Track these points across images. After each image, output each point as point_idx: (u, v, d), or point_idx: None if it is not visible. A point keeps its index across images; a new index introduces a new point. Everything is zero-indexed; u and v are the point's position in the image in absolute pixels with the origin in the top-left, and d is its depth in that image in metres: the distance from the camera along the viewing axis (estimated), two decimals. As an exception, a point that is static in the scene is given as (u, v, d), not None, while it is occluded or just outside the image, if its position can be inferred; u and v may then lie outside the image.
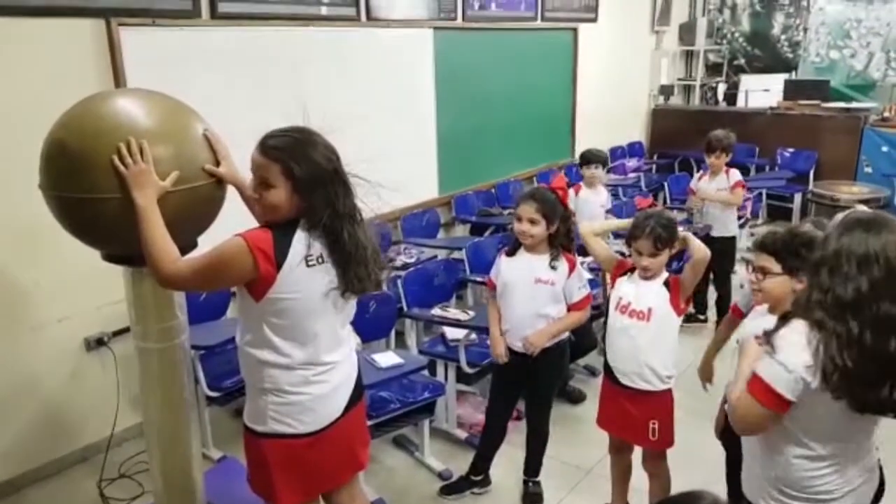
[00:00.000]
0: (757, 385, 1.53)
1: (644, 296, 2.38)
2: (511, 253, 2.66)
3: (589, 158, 4.30)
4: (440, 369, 3.27)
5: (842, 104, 6.86)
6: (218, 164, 1.90)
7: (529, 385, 2.78)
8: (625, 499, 2.70)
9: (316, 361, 1.82)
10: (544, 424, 2.84)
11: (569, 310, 2.64)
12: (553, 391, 2.87)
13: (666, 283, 2.39)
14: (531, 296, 2.59)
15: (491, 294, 2.76)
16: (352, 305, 1.91)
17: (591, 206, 4.17)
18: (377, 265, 1.84)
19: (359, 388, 1.98)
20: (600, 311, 3.10)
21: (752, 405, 1.53)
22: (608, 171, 4.79)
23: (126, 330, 3.08)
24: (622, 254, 2.66)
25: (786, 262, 1.92)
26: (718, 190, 4.39)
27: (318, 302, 1.77)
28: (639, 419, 2.43)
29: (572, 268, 2.59)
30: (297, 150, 1.71)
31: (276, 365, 1.79)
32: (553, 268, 2.57)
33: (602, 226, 2.75)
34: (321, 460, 1.88)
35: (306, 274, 1.73)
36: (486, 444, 2.93)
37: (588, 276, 3.66)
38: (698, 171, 4.94)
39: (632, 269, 2.46)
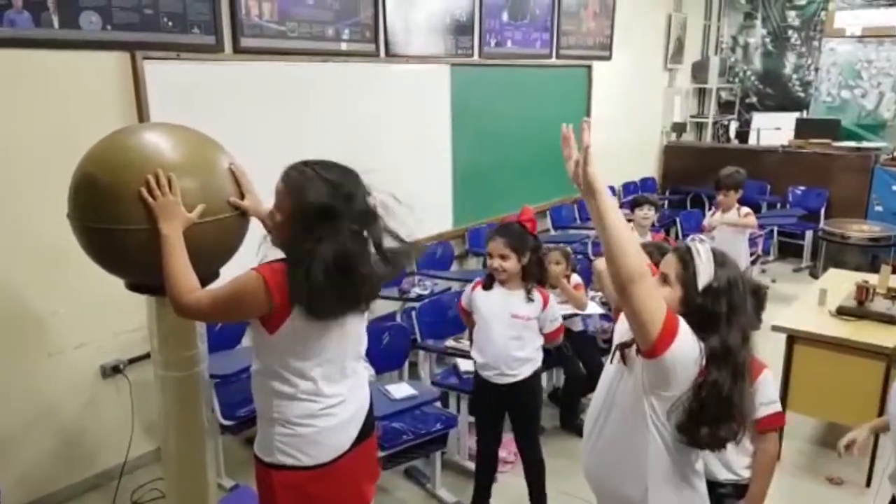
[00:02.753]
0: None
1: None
2: (487, 287, 2.74)
3: (641, 201, 4.35)
4: (453, 401, 3.28)
5: (853, 143, 6.90)
6: (242, 196, 1.94)
7: (512, 417, 2.84)
8: None
9: (324, 394, 1.83)
10: (536, 453, 2.87)
11: (546, 338, 2.76)
12: (536, 419, 2.89)
13: None
14: (508, 332, 2.67)
15: (465, 319, 2.88)
16: (358, 338, 1.92)
17: None
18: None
19: (369, 424, 1.98)
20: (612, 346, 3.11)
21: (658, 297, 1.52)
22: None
23: (141, 357, 3.14)
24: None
25: None
26: (727, 225, 4.43)
27: (329, 336, 1.80)
28: None
29: (546, 302, 2.69)
30: (298, 183, 1.75)
31: (284, 396, 1.81)
32: (530, 300, 2.66)
33: None
34: (326, 494, 1.88)
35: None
36: (481, 473, 2.97)
37: (600, 310, 3.69)
38: (710, 207, 4.98)
39: None
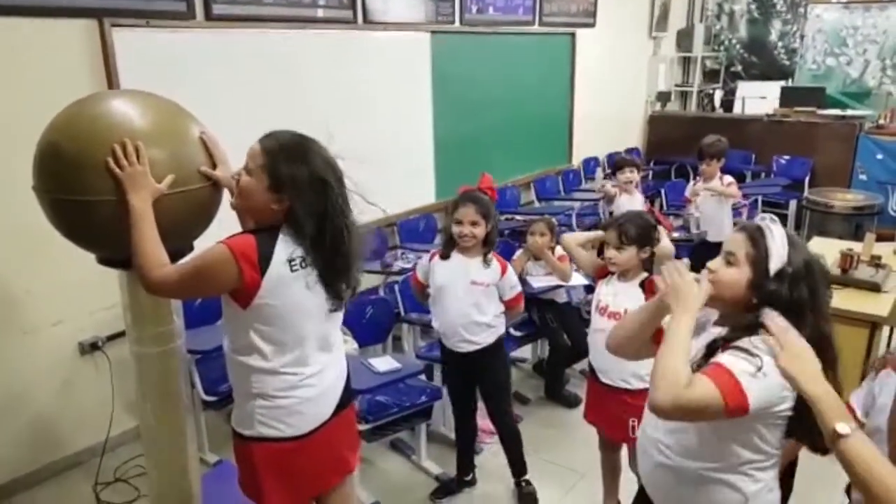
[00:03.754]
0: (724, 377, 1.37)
1: (621, 298, 2.45)
2: (445, 256, 2.72)
3: (621, 164, 4.35)
4: (437, 374, 3.26)
5: (837, 111, 6.88)
6: (214, 167, 1.89)
7: (480, 389, 2.84)
8: (616, 496, 2.72)
9: (303, 365, 1.81)
10: (508, 422, 2.89)
11: (506, 306, 2.73)
12: (504, 388, 2.89)
13: (641, 285, 2.46)
14: (468, 298, 2.66)
15: (419, 293, 2.87)
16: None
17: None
18: (355, 274, 1.84)
19: (348, 392, 1.97)
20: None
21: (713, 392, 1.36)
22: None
23: (120, 334, 3.09)
24: None
25: None
26: (713, 195, 4.42)
27: (303, 306, 1.76)
28: (620, 417, 2.47)
29: (504, 269, 2.69)
30: (287, 151, 1.70)
31: (262, 370, 1.78)
32: (486, 265, 2.65)
33: (584, 236, 2.83)
34: (308, 464, 1.87)
35: (290, 279, 1.72)
36: (461, 443, 2.98)
37: (584, 281, 3.68)
38: (695, 177, 4.96)
39: (612, 273, 2.53)
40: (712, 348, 1.48)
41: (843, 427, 1.24)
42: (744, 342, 1.43)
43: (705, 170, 4.43)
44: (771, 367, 1.37)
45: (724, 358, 1.42)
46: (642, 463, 1.68)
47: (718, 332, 1.52)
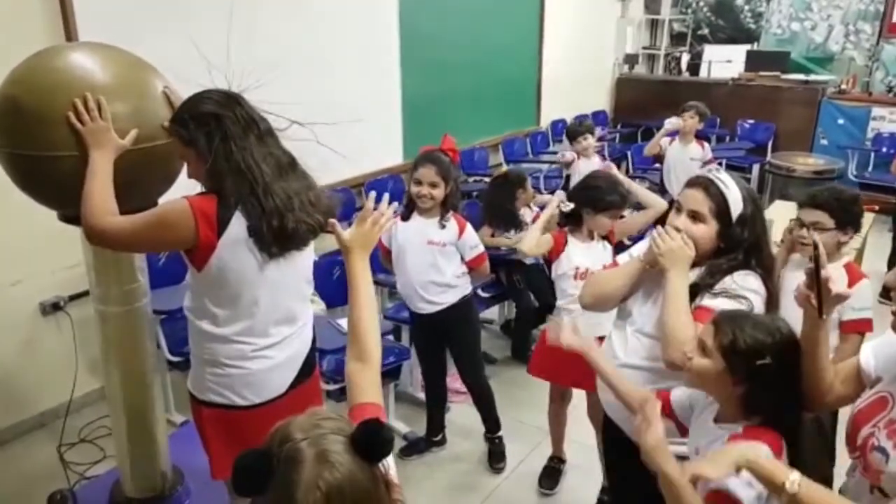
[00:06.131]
0: None
1: (597, 258, 2.48)
2: (405, 217, 2.70)
3: (575, 133, 4.33)
4: (405, 334, 3.28)
5: (801, 76, 6.97)
6: None
7: (449, 348, 2.87)
8: (562, 445, 2.86)
9: (257, 336, 1.76)
10: (479, 380, 2.92)
11: (468, 267, 2.72)
12: (474, 347, 2.92)
13: (604, 237, 2.55)
14: (425, 258, 2.66)
15: (385, 259, 2.83)
16: (301, 275, 1.82)
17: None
18: (308, 212, 1.71)
19: (309, 365, 1.91)
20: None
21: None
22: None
23: (83, 294, 3.03)
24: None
25: (838, 218, 2.09)
26: (692, 159, 4.48)
27: (259, 274, 1.71)
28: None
29: (462, 229, 2.67)
30: (187, 120, 1.65)
31: (214, 337, 1.75)
32: (442, 227, 2.64)
33: (537, 227, 2.69)
34: (257, 435, 1.83)
35: (248, 244, 1.67)
36: (431, 403, 3.02)
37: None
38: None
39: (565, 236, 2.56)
40: (693, 291, 1.60)
41: (791, 486, 1.12)
42: (726, 283, 1.59)
43: (688, 122, 4.49)
44: (756, 301, 1.57)
45: (714, 302, 1.57)
46: (610, 398, 1.77)
47: (696, 274, 1.63)
